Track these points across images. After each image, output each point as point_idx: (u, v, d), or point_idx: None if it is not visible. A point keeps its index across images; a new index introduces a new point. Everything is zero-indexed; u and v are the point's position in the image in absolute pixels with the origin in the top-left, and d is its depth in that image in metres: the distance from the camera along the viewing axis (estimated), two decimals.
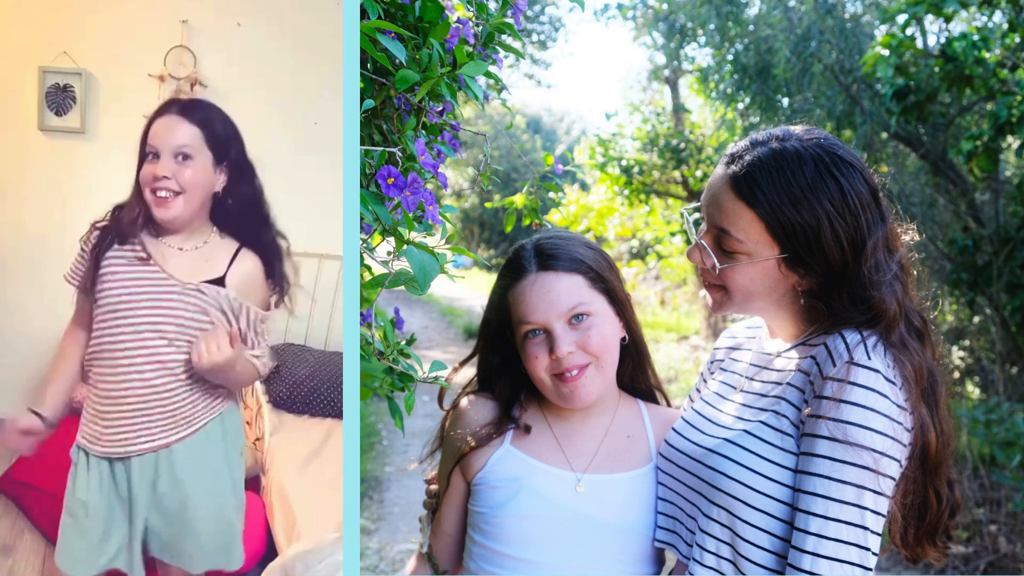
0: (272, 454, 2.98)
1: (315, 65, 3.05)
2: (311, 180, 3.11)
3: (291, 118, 3.14)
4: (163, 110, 1.82)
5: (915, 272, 1.29)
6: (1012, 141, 4.80)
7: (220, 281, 1.83)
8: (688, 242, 1.37)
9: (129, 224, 1.83)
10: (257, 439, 3.14)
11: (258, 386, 3.25)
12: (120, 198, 1.87)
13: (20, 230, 2.95)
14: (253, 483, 2.98)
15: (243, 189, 1.87)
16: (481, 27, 1.35)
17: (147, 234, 1.84)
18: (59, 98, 2.87)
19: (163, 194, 1.76)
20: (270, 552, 2.65)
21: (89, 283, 1.83)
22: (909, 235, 1.30)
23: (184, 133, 1.77)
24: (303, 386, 3.35)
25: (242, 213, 1.88)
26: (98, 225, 1.86)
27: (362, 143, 1.26)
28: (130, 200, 1.84)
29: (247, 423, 3.31)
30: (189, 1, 3.02)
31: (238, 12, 3.02)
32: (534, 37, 13.55)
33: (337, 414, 3.34)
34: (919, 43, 5.27)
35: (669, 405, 1.53)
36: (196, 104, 1.86)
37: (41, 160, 2.93)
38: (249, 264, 1.87)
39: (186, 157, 1.76)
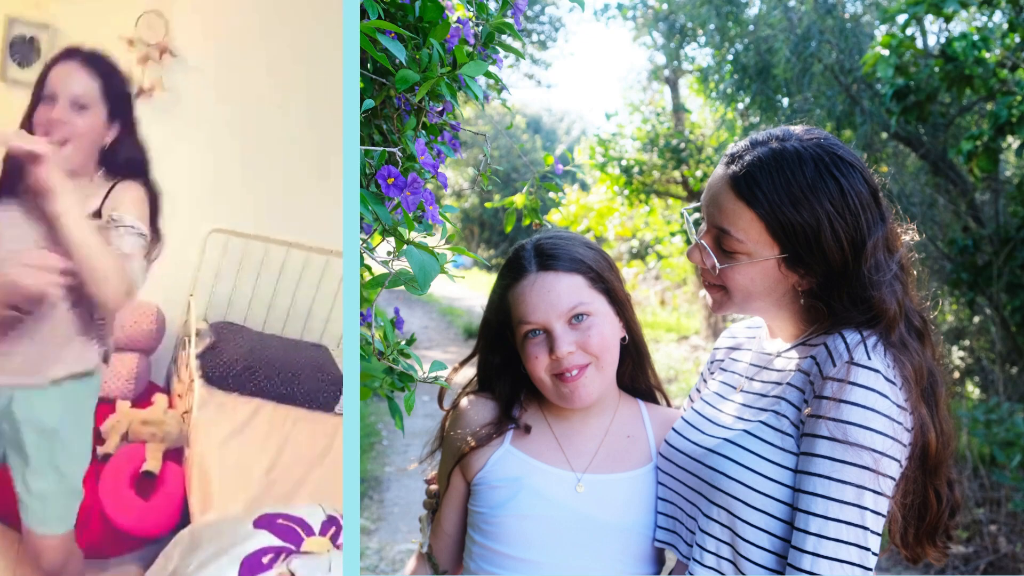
0: (196, 427, 3.05)
1: (297, 50, 3.00)
2: (290, 159, 3.09)
3: (264, 96, 3.11)
4: (65, 56, 1.83)
5: (915, 272, 1.29)
6: (1012, 141, 4.80)
7: (97, 213, 1.84)
8: (688, 242, 1.37)
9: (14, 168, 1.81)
10: (185, 412, 3.20)
11: (192, 360, 3.29)
12: None
13: None
14: (176, 454, 3.05)
15: (130, 141, 1.92)
16: (481, 27, 1.35)
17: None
18: (23, 49, 2.82)
19: (50, 139, 1.74)
20: (184, 521, 2.73)
21: None
22: (909, 235, 1.30)
23: (83, 83, 1.79)
24: (236, 364, 3.37)
25: (127, 161, 1.92)
26: None
27: (362, 143, 1.26)
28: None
29: (178, 395, 3.38)
30: None
31: None
32: (534, 37, 13.55)
33: (267, 395, 3.36)
34: (919, 43, 5.27)
35: (669, 405, 1.53)
36: (98, 57, 1.87)
37: (4, 109, 2.88)
38: (129, 191, 1.86)
39: (82, 107, 1.78)
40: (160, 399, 3.24)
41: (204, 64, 3.07)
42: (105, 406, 3.02)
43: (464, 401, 1.50)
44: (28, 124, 1.80)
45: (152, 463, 2.87)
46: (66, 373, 1.97)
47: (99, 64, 1.85)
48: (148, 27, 2.98)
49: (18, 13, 2.80)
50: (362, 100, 1.18)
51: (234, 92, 3.14)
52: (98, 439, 2.94)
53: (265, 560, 2.18)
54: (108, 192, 1.86)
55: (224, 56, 3.10)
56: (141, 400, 3.34)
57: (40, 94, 1.80)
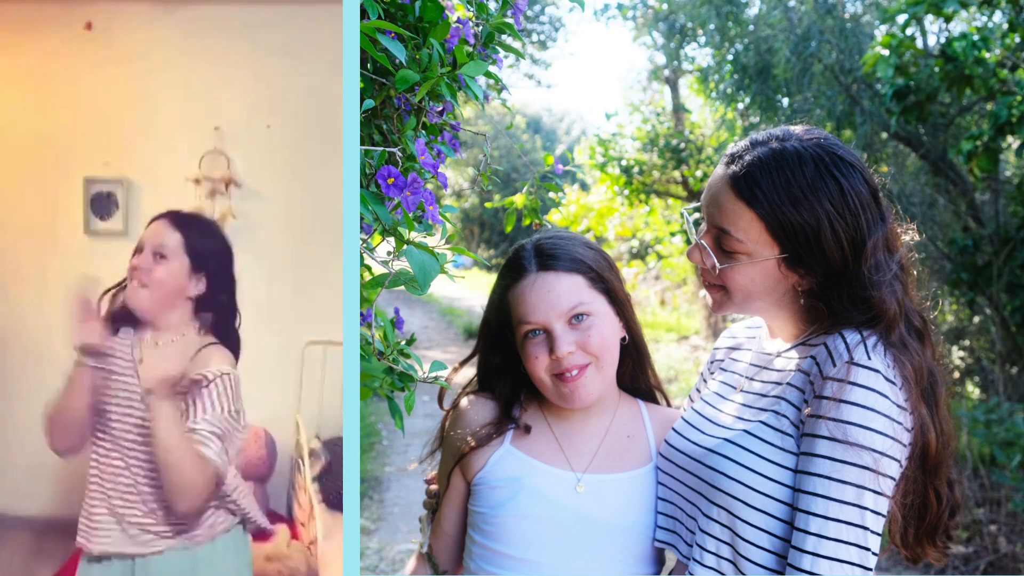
0: (325, 559, 2.80)
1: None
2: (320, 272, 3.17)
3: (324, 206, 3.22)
4: (159, 216, 2.00)
5: (915, 272, 1.29)
6: (1012, 141, 4.80)
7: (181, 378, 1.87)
8: (688, 242, 1.37)
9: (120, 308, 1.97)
10: (311, 543, 2.96)
11: (309, 484, 3.13)
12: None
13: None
14: None
15: (221, 298, 2.00)
16: (481, 27, 1.35)
17: (128, 324, 1.96)
18: (103, 204, 3.15)
19: (133, 283, 1.90)
20: None
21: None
22: (909, 235, 1.30)
23: (166, 236, 1.94)
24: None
25: (217, 318, 1.99)
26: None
27: (362, 143, 1.26)
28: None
29: (300, 524, 3.16)
30: (221, 107, 3.16)
31: (267, 115, 3.19)
32: (534, 37, 13.55)
33: None
34: (919, 43, 5.27)
35: (669, 405, 1.53)
36: (188, 217, 2.03)
37: (87, 260, 3.12)
38: (217, 352, 1.91)
39: (162, 256, 1.91)
40: (282, 531, 2.99)
41: (269, 190, 3.25)
42: None
43: (464, 401, 1.50)
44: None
45: None
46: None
47: (183, 220, 1.99)
48: (211, 165, 3.22)
49: (93, 174, 3.07)
50: (362, 100, 1.18)
51: (299, 213, 3.27)
52: None
53: None
54: (199, 349, 1.91)
55: (280, 175, 3.25)
56: (262, 534, 2.95)
57: (137, 248, 1.97)
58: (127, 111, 3.05)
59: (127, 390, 1.90)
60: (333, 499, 3.12)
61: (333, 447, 3.38)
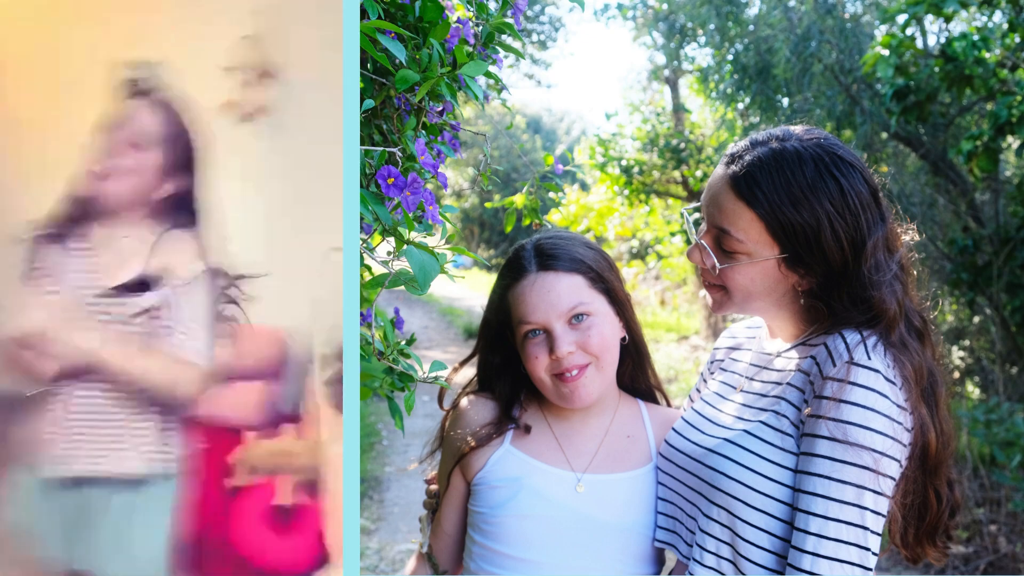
0: (329, 459, 2.88)
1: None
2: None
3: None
4: (139, 92, 1.85)
5: (915, 272, 1.29)
6: (1012, 141, 4.80)
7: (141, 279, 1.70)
8: (688, 242, 1.37)
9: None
10: (316, 442, 3.08)
11: (320, 388, 3.14)
12: None
13: None
14: (309, 486, 2.91)
15: (188, 200, 1.81)
16: (481, 27, 1.35)
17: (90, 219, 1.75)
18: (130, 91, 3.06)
19: (99, 168, 1.75)
20: (323, 559, 2.62)
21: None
22: (909, 235, 1.30)
23: (145, 119, 1.78)
24: None
25: (181, 216, 1.79)
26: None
27: (362, 143, 1.26)
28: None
29: (308, 425, 3.22)
30: None
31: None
32: (534, 37, 13.54)
33: None
34: (919, 43, 5.27)
35: (669, 405, 1.53)
36: (169, 105, 1.83)
37: None
38: (179, 241, 1.74)
39: (137, 146, 1.75)
40: (288, 429, 3.08)
41: (306, 81, 3.19)
42: (232, 436, 2.87)
43: (464, 401, 1.50)
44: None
45: (284, 496, 2.76)
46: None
47: (169, 112, 1.80)
48: (247, 54, 3.19)
49: (121, 56, 2.99)
50: (362, 100, 1.18)
51: (337, 103, 3.19)
52: (226, 472, 2.79)
53: None
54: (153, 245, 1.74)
55: (324, 69, 3.19)
56: (268, 430, 3.19)
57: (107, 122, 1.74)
58: None
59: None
60: (341, 404, 3.15)
61: None
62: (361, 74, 1.23)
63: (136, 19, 3.02)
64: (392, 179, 1.14)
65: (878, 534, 1.15)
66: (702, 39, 8.14)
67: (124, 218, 1.75)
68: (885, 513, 1.16)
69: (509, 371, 1.45)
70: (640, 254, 12.68)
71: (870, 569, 1.15)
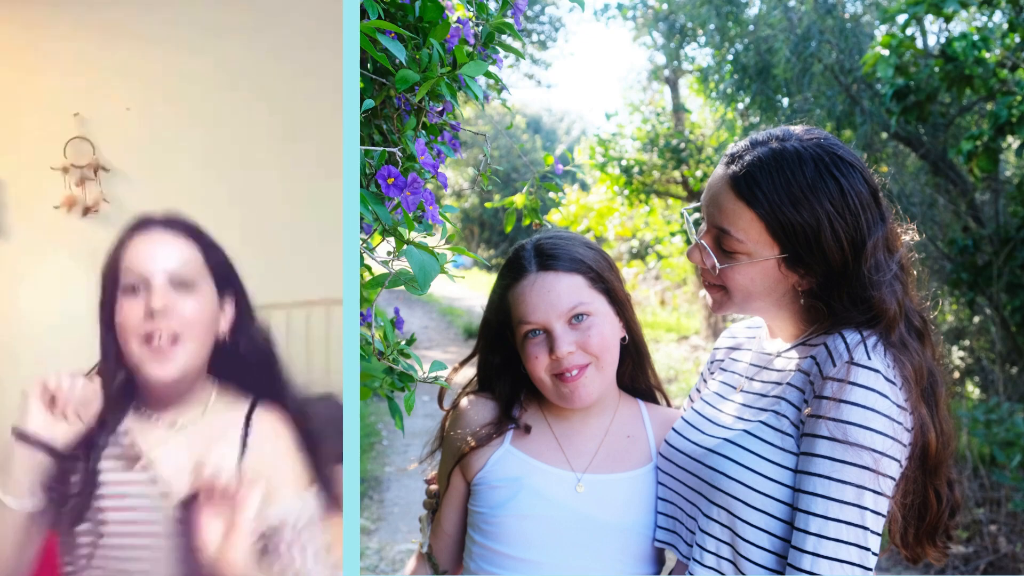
0: None
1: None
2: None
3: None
4: (139, 227, 1.39)
5: (915, 272, 1.29)
6: (1012, 141, 4.80)
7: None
8: (688, 242, 1.37)
9: (114, 402, 1.34)
10: None
11: None
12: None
13: None
14: None
15: (251, 326, 1.43)
16: (481, 27, 1.35)
17: (134, 413, 1.37)
18: None
19: (160, 341, 1.30)
20: None
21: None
22: (909, 235, 1.30)
23: (181, 253, 1.36)
24: None
25: (250, 358, 1.43)
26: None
27: (362, 143, 1.26)
28: (103, 366, 1.36)
29: None
30: (80, 93, 3.11)
31: (127, 98, 3.10)
32: (534, 37, 13.54)
33: None
34: (919, 43, 5.27)
35: (669, 405, 1.53)
36: (180, 219, 1.43)
37: None
38: (269, 427, 1.38)
39: (186, 286, 1.35)
40: None
41: (137, 171, 3.24)
42: None
43: (464, 401, 1.50)
44: (110, 340, 1.36)
45: None
46: None
47: (190, 229, 1.42)
48: (76, 152, 3.22)
49: None
50: (362, 100, 1.18)
51: (168, 191, 3.20)
52: None
53: None
54: (247, 426, 1.37)
55: (148, 158, 3.24)
56: None
57: (114, 290, 1.35)
58: (13, 101, 2.94)
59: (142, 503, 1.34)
60: None
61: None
62: (361, 74, 1.23)
63: None
64: (392, 179, 1.14)
65: (878, 534, 1.15)
66: (702, 39, 8.14)
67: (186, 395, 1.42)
68: (885, 513, 1.16)
69: (509, 371, 1.45)
70: (640, 254, 12.68)
71: (870, 569, 1.15)
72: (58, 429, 1.30)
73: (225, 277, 1.41)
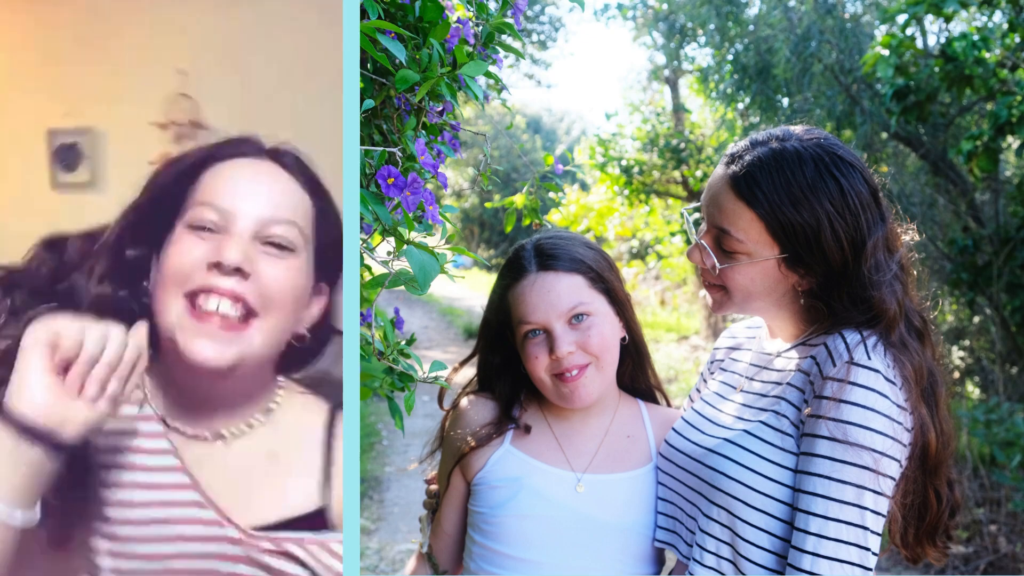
0: None
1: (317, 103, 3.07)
2: None
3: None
4: (234, 147, 1.11)
5: (915, 272, 1.29)
6: (1012, 141, 4.80)
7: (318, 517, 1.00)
8: (688, 242, 1.37)
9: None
10: None
11: None
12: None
13: None
14: None
15: (330, 325, 1.15)
16: (481, 27, 1.35)
17: (170, 409, 1.06)
18: (68, 156, 3.01)
19: (229, 308, 1.00)
20: None
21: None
22: (909, 235, 1.30)
23: (287, 199, 1.06)
24: None
25: (330, 355, 1.15)
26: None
27: (362, 143, 1.26)
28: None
29: None
30: (184, 51, 3.10)
31: (232, 55, 3.07)
32: (534, 37, 13.54)
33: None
34: (919, 43, 5.27)
35: (669, 405, 1.53)
36: (300, 160, 1.13)
37: (55, 216, 2.99)
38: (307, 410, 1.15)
39: (280, 246, 1.04)
40: None
41: (236, 130, 3.19)
42: None
43: (464, 401, 1.50)
44: (141, 294, 1.05)
45: None
46: None
47: (307, 173, 1.12)
48: (177, 108, 3.15)
49: (55, 124, 2.94)
50: (362, 100, 1.18)
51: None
52: None
53: None
54: (330, 441, 1.09)
55: (250, 120, 3.20)
56: None
57: (171, 219, 1.05)
58: (87, 56, 2.88)
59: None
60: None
61: None
62: (361, 74, 1.23)
63: (69, 87, 3.01)
64: (392, 179, 1.14)
65: (878, 534, 1.15)
66: (702, 39, 8.14)
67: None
68: (885, 513, 1.16)
69: (509, 371, 1.45)
70: (640, 254, 12.68)
71: (870, 569, 1.15)
72: (70, 412, 0.90)
73: (334, 248, 1.05)
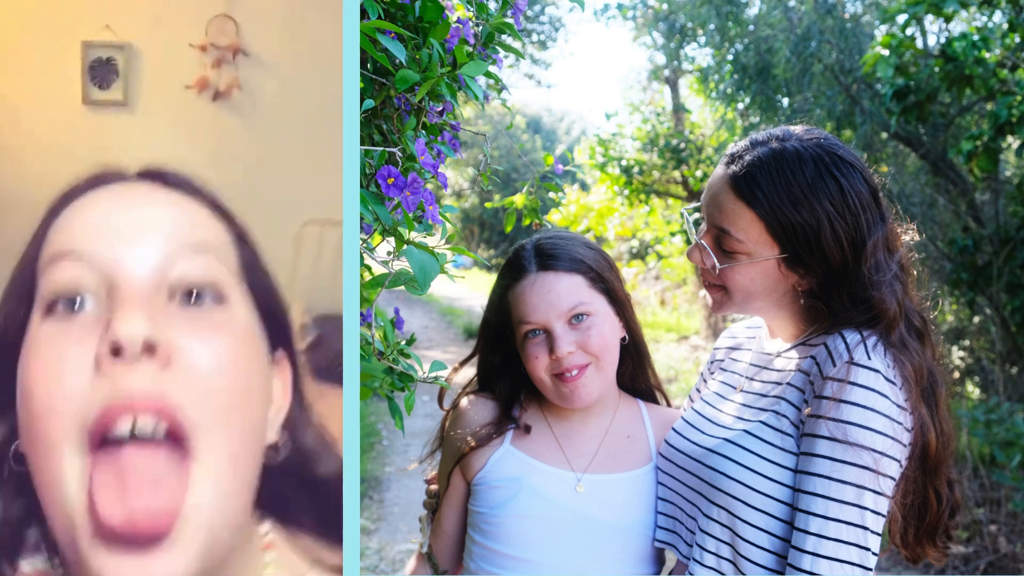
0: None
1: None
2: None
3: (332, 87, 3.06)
4: (88, 184, 0.81)
5: (915, 272, 1.29)
6: (1012, 141, 4.80)
7: None
8: (688, 242, 1.37)
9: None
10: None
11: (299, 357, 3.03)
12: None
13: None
14: None
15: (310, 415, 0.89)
16: (481, 27, 1.35)
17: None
18: (102, 71, 2.92)
19: (151, 433, 0.67)
20: None
21: None
22: (909, 235, 1.30)
23: (188, 215, 0.80)
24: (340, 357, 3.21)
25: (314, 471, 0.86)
26: None
27: (362, 143, 1.26)
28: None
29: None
30: None
31: None
32: (534, 37, 13.54)
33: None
34: (919, 43, 5.27)
35: (669, 405, 1.53)
36: (180, 176, 0.88)
37: (86, 132, 2.92)
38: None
39: (201, 295, 0.74)
40: None
41: (278, 60, 3.07)
42: None
43: (464, 401, 1.50)
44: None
45: None
46: None
47: (203, 193, 0.88)
48: (218, 31, 3.03)
49: (91, 37, 2.89)
50: (362, 100, 1.18)
51: (307, 85, 3.04)
52: None
53: None
54: None
55: (295, 51, 3.08)
56: None
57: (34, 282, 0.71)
58: None
59: None
60: (322, 371, 3.07)
61: (323, 322, 3.24)
62: (361, 74, 1.23)
63: (106, 1, 2.90)
64: (392, 179, 1.14)
65: (878, 534, 1.15)
66: (702, 39, 8.14)
67: None
68: (885, 513, 1.16)
69: (509, 371, 1.45)
70: (640, 254, 12.68)
71: (870, 569, 1.15)
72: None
73: (271, 297, 0.78)
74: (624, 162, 9.14)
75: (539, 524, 1.35)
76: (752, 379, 1.35)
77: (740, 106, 7.13)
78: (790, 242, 1.22)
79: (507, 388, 1.46)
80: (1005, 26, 4.67)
